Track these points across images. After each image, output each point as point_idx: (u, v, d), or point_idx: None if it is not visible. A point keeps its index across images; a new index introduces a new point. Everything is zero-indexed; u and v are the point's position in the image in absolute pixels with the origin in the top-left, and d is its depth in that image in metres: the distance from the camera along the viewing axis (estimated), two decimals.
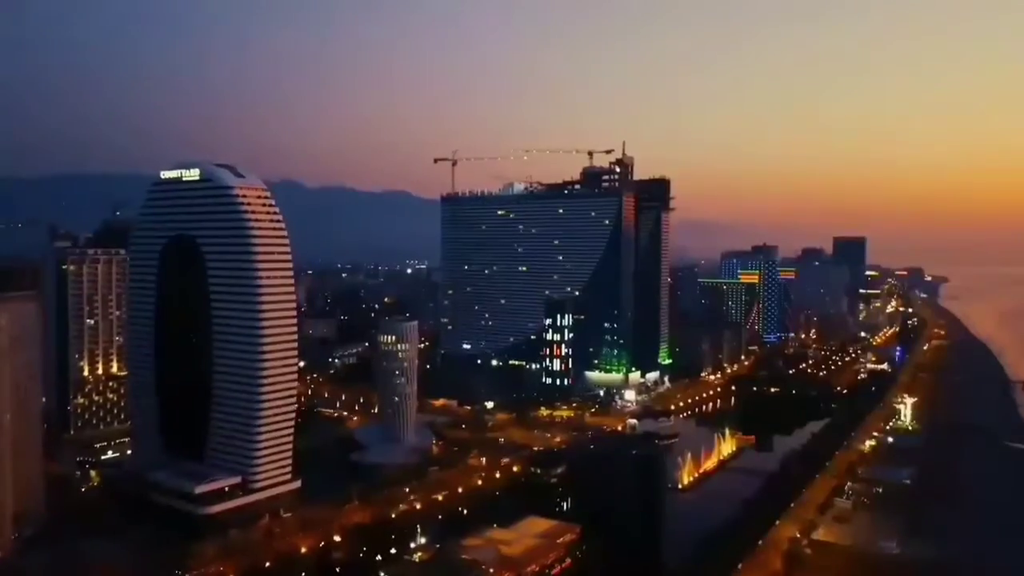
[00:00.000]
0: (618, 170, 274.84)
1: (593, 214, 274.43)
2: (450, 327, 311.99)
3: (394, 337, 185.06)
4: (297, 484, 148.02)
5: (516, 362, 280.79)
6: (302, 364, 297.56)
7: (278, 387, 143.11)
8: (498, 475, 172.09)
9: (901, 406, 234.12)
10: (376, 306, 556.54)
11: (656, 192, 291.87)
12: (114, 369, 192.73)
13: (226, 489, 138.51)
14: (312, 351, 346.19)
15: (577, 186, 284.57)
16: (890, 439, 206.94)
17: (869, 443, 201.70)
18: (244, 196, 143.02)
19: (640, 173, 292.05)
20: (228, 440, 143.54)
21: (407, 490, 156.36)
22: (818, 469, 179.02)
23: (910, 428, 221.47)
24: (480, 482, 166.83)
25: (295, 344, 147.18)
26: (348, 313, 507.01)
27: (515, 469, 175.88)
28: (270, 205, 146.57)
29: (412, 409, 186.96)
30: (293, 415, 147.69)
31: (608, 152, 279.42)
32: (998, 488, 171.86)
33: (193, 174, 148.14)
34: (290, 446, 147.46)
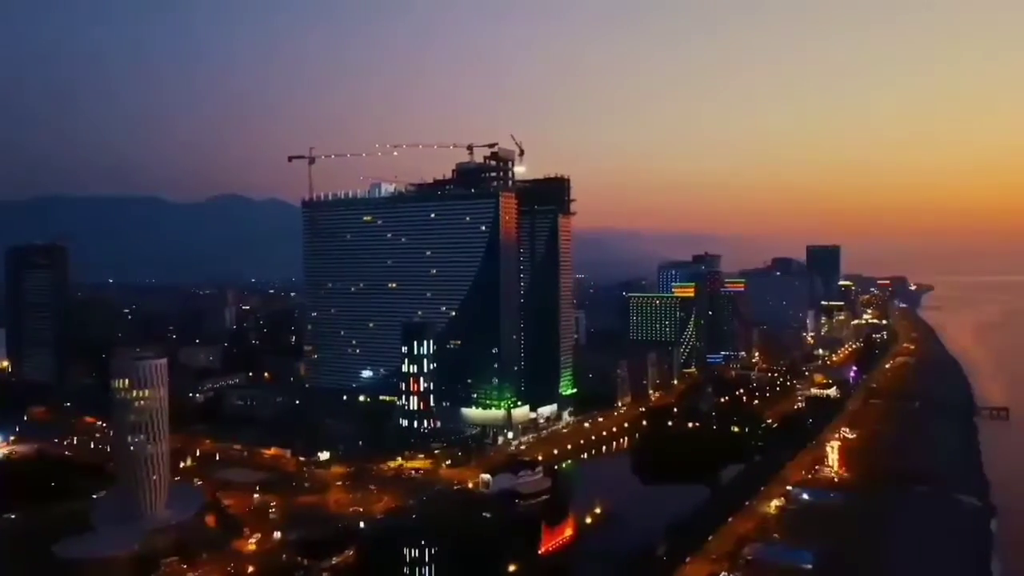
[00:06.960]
0: (495, 164, 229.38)
1: (468, 219, 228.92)
2: (314, 356, 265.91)
3: (128, 381, 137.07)
4: None
5: (387, 398, 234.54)
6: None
7: None
8: (251, 568, 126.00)
9: (830, 448, 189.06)
10: (308, 328, 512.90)
11: (552, 193, 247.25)
12: None
13: None
14: (176, 383, 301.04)
15: (451, 186, 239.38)
16: (805, 495, 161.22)
17: (776, 503, 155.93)
18: None
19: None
20: None
21: None
22: (697, 545, 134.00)
23: (835, 479, 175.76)
24: None
25: None
26: (266, 338, 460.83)
27: (284, 557, 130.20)
28: None
29: (160, 476, 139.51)
30: None
31: (491, 146, 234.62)
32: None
33: None
34: None
